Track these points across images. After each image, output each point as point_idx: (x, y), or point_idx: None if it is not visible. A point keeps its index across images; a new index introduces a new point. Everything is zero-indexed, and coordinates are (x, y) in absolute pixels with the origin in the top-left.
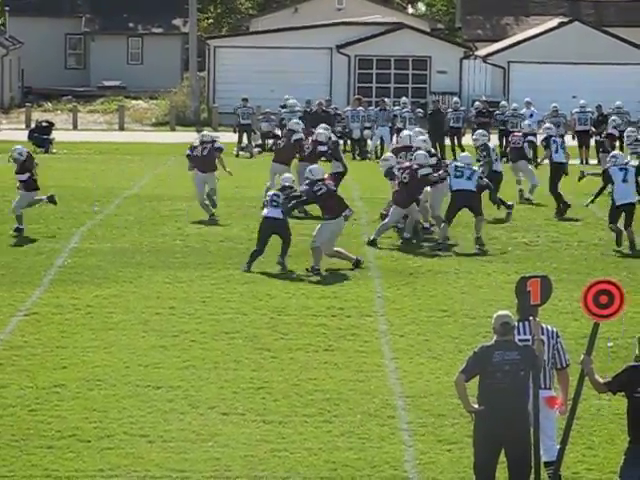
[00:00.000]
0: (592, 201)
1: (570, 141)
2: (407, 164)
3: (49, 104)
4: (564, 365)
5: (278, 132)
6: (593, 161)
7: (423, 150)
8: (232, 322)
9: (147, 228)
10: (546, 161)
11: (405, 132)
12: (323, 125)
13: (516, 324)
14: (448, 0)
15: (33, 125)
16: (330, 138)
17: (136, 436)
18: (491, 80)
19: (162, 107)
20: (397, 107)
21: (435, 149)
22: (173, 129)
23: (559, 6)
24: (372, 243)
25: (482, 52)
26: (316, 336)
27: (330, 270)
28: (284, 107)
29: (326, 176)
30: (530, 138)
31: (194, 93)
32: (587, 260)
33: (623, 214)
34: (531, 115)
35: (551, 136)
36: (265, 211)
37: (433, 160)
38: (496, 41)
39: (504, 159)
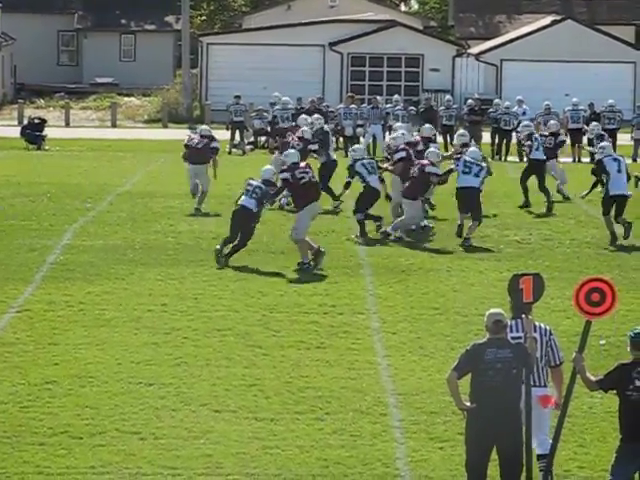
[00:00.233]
0: (587, 193)
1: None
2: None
3: (41, 101)
4: (557, 363)
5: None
6: (585, 159)
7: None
8: (224, 319)
9: (139, 225)
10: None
11: (400, 132)
12: (303, 116)
13: (509, 322)
14: None
15: (25, 122)
16: (322, 128)
17: (128, 433)
18: (484, 78)
19: (155, 104)
20: (389, 105)
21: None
22: (165, 126)
23: (552, 4)
24: (385, 235)
25: (475, 50)
26: (308, 333)
27: (322, 268)
28: (274, 105)
29: (302, 164)
30: (561, 138)
31: (186, 90)
32: (579, 258)
33: (615, 205)
34: (524, 113)
35: (532, 133)
36: (243, 199)
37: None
38: (489, 39)
39: (497, 157)
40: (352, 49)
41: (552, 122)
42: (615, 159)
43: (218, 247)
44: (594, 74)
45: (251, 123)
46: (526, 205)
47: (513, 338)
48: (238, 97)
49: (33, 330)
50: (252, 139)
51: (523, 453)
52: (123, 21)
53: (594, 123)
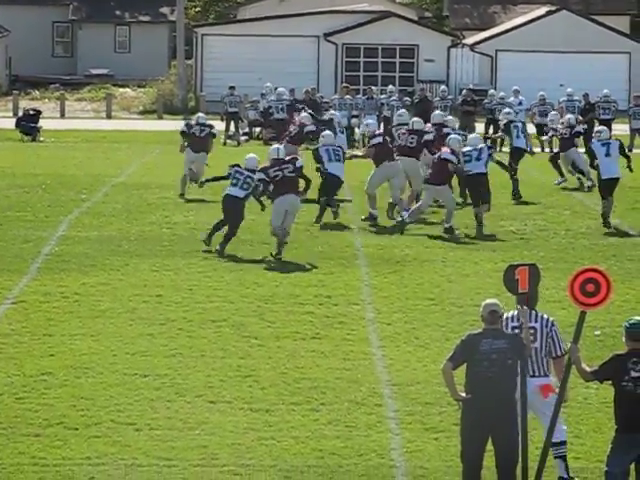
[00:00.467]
0: (587, 176)
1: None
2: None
3: (36, 92)
4: (559, 354)
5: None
6: (580, 149)
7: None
8: (219, 310)
9: (134, 216)
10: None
11: (371, 120)
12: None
13: (506, 313)
14: None
15: (20, 113)
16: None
17: (123, 424)
18: (479, 69)
19: (150, 95)
20: (384, 96)
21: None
22: (161, 117)
23: None
24: (402, 226)
25: (469, 41)
26: (303, 324)
27: (317, 258)
28: (264, 95)
29: (287, 158)
30: (578, 129)
31: (181, 81)
32: (574, 249)
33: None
34: (519, 103)
35: (512, 121)
36: (232, 189)
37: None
38: (484, 30)
39: (492, 148)
40: (347, 40)
41: (570, 116)
42: (604, 143)
43: (205, 237)
44: (589, 64)
45: (246, 114)
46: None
47: (515, 327)
48: (233, 88)
49: (28, 321)
50: (247, 130)
51: (519, 443)
52: (118, 12)
53: (553, 113)
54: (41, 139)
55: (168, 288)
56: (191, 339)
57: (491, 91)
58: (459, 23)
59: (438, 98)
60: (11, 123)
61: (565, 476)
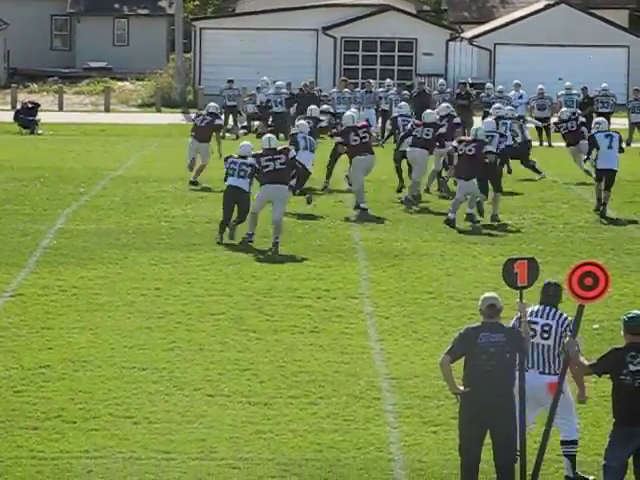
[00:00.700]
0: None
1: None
2: (472, 138)
3: (35, 85)
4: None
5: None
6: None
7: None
8: (217, 304)
9: (133, 209)
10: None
11: (348, 112)
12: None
13: (535, 307)
14: None
15: (19, 106)
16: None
17: (121, 417)
18: (477, 62)
19: (148, 88)
20: (381, 89)
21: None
22: (159, 110)
23: None
24: (450, 222)
25: (468, 34)
26: (301, 318)
27: (315, 252)
28: (260, 89)
29: (279, 148)
30: (581, 119)
31: (180, 75)
32: (573, 242)
33: (604, 178)
34: (520, 97)
35: (501, 117)
36: (230, 180)
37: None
38: (482, 23)
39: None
40: (345, 33)
41: (564, 109)
42: (607, 135)
43: (218, 239)
44: (588, 58)
45: (244, 108)
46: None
47: (534, 323)
48: (231, 82)
49: (27, 314)
50: (245, 123)
51: (517, 437)
52: (116, 5)
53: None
54: (39, 132)
55: (166, 281)
56: (189, 332)
57: (488, 84)
58: (458, 16)
59: (437, 92)
60: (9, 116)
61: (571, 475)
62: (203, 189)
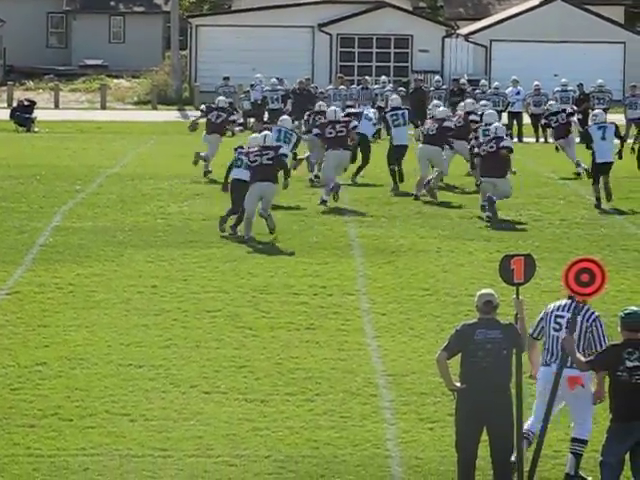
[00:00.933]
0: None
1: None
2: (492, 136)
3: (31, 83)
4: (598, 349)
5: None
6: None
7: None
8: (214, 301)
9: (129, 207)
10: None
11: (331, 108)
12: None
13: (563, 301)
14: None
15: (15, 104)
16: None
17: (118, 415)
18: (473, 59)
19: (144, 86)
20: (377, 86)
21: (416, 127)
22: (155, 108)
23: None
24: (491, 218)
25: (464, 31)
26: (298, 315)
27: (311, 248)
28: (254, 86)
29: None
30: (569, 111)
31: (176, 72)
32: (569, 239)
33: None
34: (517, 93)
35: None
36: (235, 172)
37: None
38: (478, 20)
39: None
40: (341, 30)
41: (551, 102)
42: (600, 127)
43: (230, 231)
44: (583, 54)
45: (240, 104)
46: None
47: (560, 317)
48: (227, 79)
49: (23, 312)
50: (241, 120)
51: (513, 433)
52: (112, 3)
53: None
54: (35, 130)
55: (163, 279)
56: (186, 330)
57: (482, 81)
58: (453, 13)
59: (433, 88)
60: (5, 114)
61: (572, 473)
62: (198, 184)
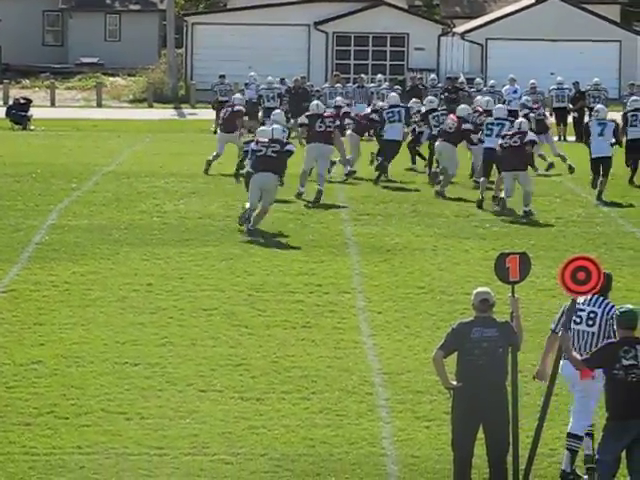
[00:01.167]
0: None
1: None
2: (515, 130)
3: (27, 81)
4: None
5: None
6: (571, 138)
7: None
8: (210, 299)
9: (125, 205)
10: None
11: (315, 101)
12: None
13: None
14: None
15: (11, 102)
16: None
17: (114, 413)
18: (469, 57)
19: (140, 84)
20: (373, 84)
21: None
22: (151, 106)
23: None
24: (527, 214)
25: (460, 29)
26: (294, 313)
27: (307, 247)
28: (248, 85)
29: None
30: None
31: (172, 70)
32: (565, 237)
33: (600, 166)
34: (515, 91)
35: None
36: (247, 162)
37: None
38: (474, 18)
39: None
40: (337, 28)
41: (525, 97)
42: (601, 123)
43: (250, 226)
44: (579, 53)
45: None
46: None
47: (581, 310)
48: (223, 77)
49: (19, 310)
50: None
51: (509, 431)
52: (108, 1)
53: (486, 98)
54: (31, 128)
55: (158, 277)
56: (182, 328)
57: (477, 79)
58: (449, 11)
59: (428, 86)
60: (1, 112)
61: (568, 470)
62: (194, 182)
